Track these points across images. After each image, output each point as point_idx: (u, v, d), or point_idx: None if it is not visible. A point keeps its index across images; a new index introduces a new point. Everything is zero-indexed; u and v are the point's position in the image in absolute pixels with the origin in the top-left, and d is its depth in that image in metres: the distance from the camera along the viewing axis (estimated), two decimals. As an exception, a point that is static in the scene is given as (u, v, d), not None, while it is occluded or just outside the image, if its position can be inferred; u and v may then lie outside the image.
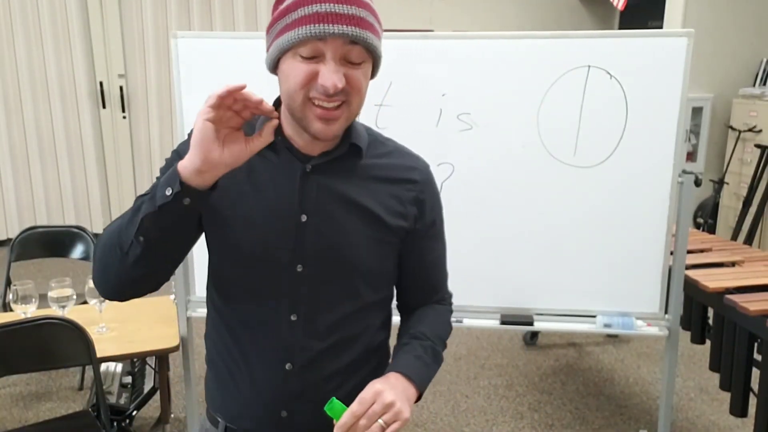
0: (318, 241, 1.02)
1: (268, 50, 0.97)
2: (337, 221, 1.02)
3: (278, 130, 1.00)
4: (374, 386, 0.93)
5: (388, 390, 0.93)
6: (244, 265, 1.03)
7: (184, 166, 0.88)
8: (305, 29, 0.89)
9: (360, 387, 0.97)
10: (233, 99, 0.87)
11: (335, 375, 1.06)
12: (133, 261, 0.93)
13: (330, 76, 0.90)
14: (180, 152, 1.04)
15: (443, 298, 1.20)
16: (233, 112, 0.88)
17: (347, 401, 0.94)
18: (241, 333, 1.06)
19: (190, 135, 0.94)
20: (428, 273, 1.16)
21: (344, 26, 0.88)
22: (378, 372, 1.06)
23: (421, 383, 1.02)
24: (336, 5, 0.88)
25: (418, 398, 1.03)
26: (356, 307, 1.06)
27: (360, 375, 1.08)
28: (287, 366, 1.04)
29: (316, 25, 0.88)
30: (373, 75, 1.00)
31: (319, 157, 1.02)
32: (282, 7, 0.93)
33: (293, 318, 1.03)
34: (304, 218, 1.01)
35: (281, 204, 1.01)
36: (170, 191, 0.87)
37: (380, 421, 0.90)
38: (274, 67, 0.97)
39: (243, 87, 0.86)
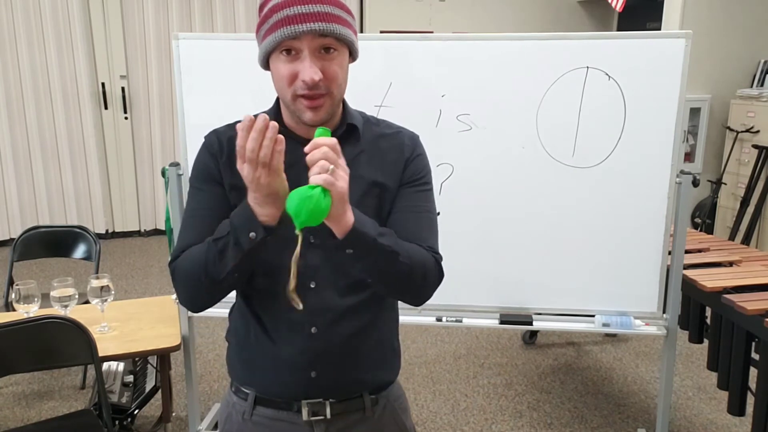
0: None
1: (259, 48, 1.10)
2: None
3: (280, 122, 1.11)
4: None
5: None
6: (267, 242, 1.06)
7: (264, 213, 0.99)
8: (280, 32, 1.02)
9: (380, 342, 1.18)
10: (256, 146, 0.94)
11: (357, 333, 1.15)
12: (228, 286, 1.08)
13: (307, 71, 1.02)
14: (199, 167, 1.15)
15: (430, 248, 1.15)
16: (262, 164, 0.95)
17: (372, 355, 1.17)
18: (267, 304, 1.15)
19: (202, 151, 1.14)
20: (410, 218, 1.15)
21: (311, 23, 1.01)
22: (392, 328, 1.23)
23: (359, 221, 1.01)
24: (303, 6, 1.01)
25: (349, 235, 1.00)
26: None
27: (378, 330, 1.19)
28: (312, 329, 1.12)
29: (288, 27, 1.01)
30: (354, 57, 1.11)
31: None
32: (262, 14, 1.06)
33: (312, 285, 1.12)
34: None
35: (291, 186, 1.05)
36: (255, 235, 0.99)
37: (331, 166, 0.94)
38: (266, 65, 1.11)
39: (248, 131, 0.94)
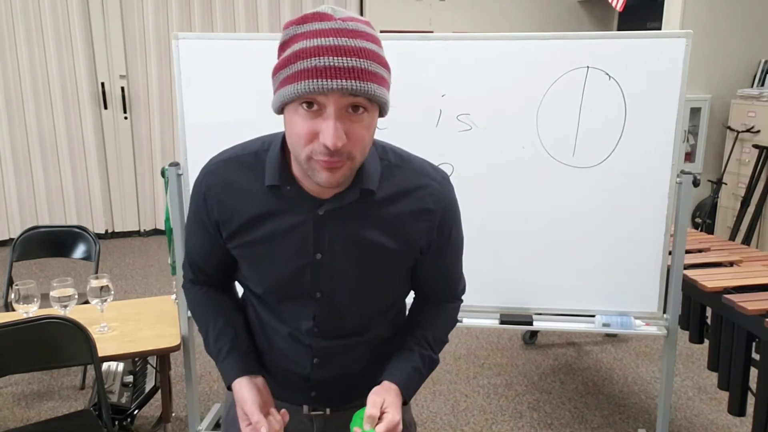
0: (333, 275, 1.08)
1: (274, 93, 0.95)
2: (351, 260, 1.06)
3: (286, 177, 1.01)
4: (392, 417, 1.02)
5: (395, 412, 1.03)
6: (270, 293, 1.11)
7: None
8: (304, 84, 0.87)
9: (379, 365, 1.12)
10: None
11: (357, 362, 1.16)
12: None
13: (330, 135, 0.88)
14: (194, 215, 1.13)
15: (456, 295, 1.24)
16: None
17: (371, 378, 1.11)
18: (271, 336, 1.16)
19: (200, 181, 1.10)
20: (443, 279, 1.20)
21: (343, 81, 0.86)
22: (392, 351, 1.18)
23: (408, 397, 1.10)
24: (335, 59, 0.86)
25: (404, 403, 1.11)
26: (371, 314, 1.15)
27: (379, 358, 1.16)
28: (315, 360, 1.14)
29: (315, 80, 0.86)
30: (382, 114, 0.97)
31: (331, 201, 1.02)
32: (284, 56, 0.91)
33: (316, 330, 1.12)
34: (319, 257, 1.06)
35: (297, 245, 1.05)
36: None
37: None
38: (279, 111, 0.97)
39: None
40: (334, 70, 0.85)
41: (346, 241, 1.04)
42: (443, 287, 1.21)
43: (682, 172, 2.14)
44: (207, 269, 1.19)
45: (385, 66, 0.93)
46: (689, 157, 4.74)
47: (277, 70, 0.93)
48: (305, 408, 1.18)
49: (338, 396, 1.16)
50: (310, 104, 0.89)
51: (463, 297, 1.26)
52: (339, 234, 1.04)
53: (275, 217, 1.04)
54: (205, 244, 1.15)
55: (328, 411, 1.19)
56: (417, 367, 1.12)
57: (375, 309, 1.14)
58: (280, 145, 1.03)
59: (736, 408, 2.14)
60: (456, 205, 1.12)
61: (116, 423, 2.48)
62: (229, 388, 1.11)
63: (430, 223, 1.06)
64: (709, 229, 4.60)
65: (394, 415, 1.01)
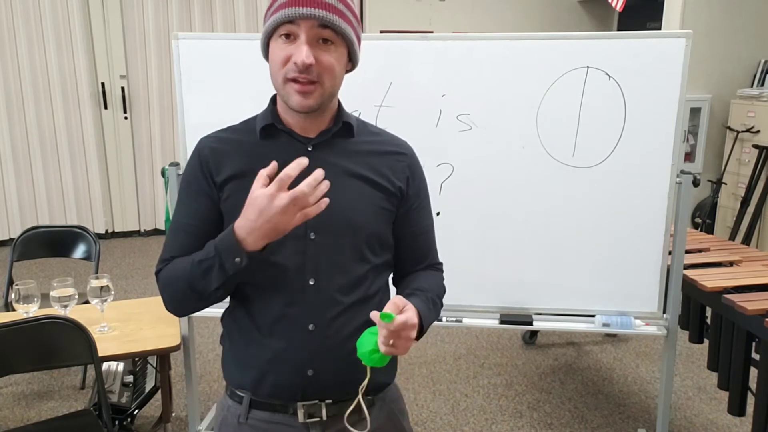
0: (326, 210, 1.10)
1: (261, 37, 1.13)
2: (342, 191, 1.13)
3: (277, 118, 1.15)
4: (412, 315, 1.04)
5: (413, 315, 1.05)
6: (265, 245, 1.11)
7: (253, 241, 1.00)
8: (280, 14, 1.04)
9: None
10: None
11: (355, 332, 1.14)
12: (214, 300, 1.10)
13: (299, 54, 1.04)
14: (189, 178, 1.17)
15: (436, 264, 1.30)
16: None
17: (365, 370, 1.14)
18: (264, 302, 1.14)
19: (194, 155, 1.15)
20: (421, 240, 1.27)
21: (312, 9, 1.03)
22: None
23: (425, 323, 1.13)
24: None
25: (417, 338, 1.11)
26: (364, 269, 1.16)
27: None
28: (310, 326, 1.13)
29: (289, 9, 1.04)
30: (352, 63, 1.14)
31: (318, 137, 1.15)
32: (270, 2, 1.10)
33: (311, 282, 1.12)
34: None
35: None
36: (240, 260, 1.02)
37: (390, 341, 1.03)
38: (266, 52, 1.12)
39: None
40: (306, 0, 1.03)
41: (335, 174, 1.13)
42: (424, 249, 1.27)
43: (682, 172, 2.14)
44: (190, 240, 1.14)
45: (354, 14, 1.10)
46: (689, 157, 4.74)
47: (265, 14, 1.10)
48: (300, 415, 1.15)
49: (335, 375, 1.14)
50: (287, 36, 1.06)
51: (443, 275, 1.31)
52: (328, 167, 1.11)
53: (269, 159, 1.11)
54: (199, 214, 1.14)
55: (324, 414, 1.16)
56: (425, 301, 1.15)
57: (367, 257, 1.15)
58: (269, 101, 1.18)
59: (736, 408, 2.14)
60: (422, 169, 1.26)
61: (116, 423, 2.48)
62: (247, 257, 1.03)
63: (403, 163, 1.21)
64: (709, 229, 4.61)
65: (412, 316, 1.03)
